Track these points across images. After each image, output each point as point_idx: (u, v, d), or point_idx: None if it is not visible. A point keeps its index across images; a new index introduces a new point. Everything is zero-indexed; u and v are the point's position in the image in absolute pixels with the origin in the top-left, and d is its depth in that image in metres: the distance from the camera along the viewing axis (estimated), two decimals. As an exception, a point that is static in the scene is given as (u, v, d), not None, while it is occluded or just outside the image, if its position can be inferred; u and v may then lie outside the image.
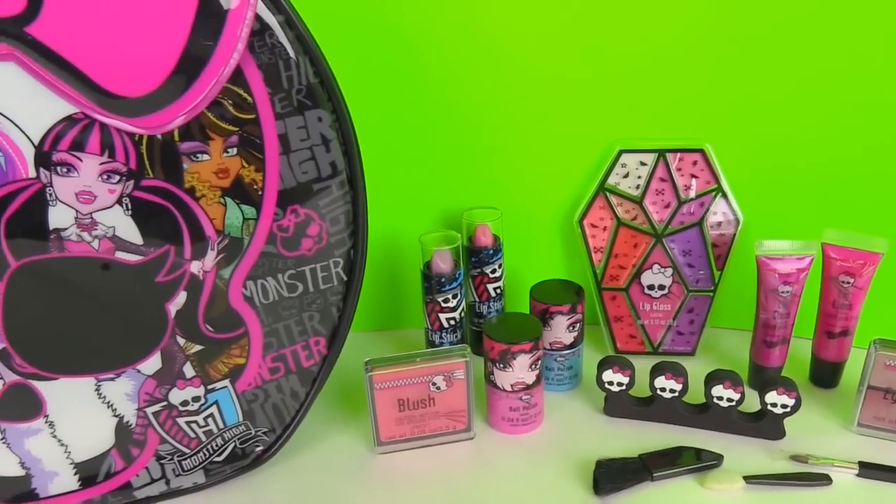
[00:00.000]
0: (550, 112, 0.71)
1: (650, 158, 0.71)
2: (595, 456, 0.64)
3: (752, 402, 0.65)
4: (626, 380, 0.66)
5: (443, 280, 0.69)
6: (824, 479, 0.61)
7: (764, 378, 0.68)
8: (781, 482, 0.60)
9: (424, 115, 0.71)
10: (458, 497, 0.62)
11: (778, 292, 0.67)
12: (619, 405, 0.68)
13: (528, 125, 0.72)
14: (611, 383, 0.67)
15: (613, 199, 0.73)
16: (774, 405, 0.63)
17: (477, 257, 0.72)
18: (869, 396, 0.64)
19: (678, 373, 0.65)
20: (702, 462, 0.62)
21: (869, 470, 0.61)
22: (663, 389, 0.66)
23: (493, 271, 0.73)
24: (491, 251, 0.72)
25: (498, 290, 0.74)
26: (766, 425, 0.65)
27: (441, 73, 0.70)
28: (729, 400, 0.64)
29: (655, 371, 0.66)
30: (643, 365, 0.68)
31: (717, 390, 0.64)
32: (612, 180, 0.72)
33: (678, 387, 0.65)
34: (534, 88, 0.70)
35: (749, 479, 0.60)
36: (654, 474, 0.61)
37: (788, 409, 0.63)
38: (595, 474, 0.61)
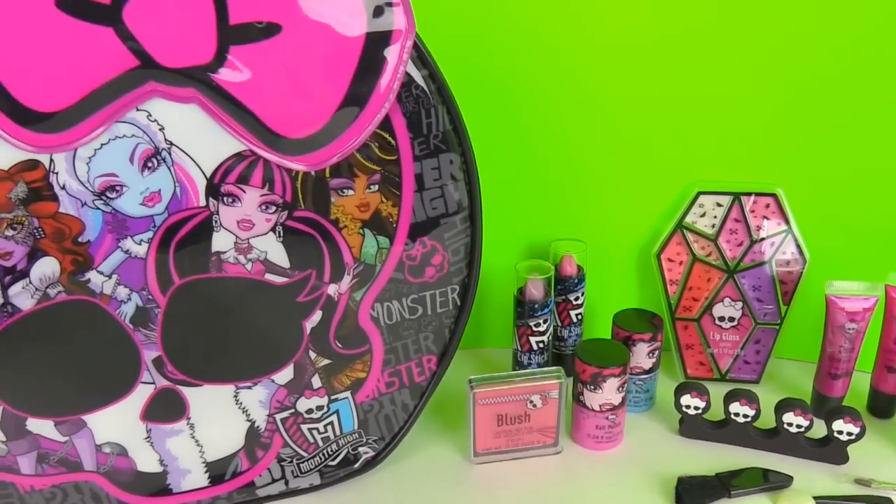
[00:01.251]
0: (636, 155, 0.78)
1: (726, 200, 0.77)
2: (673, 473, 0.69)
3: (818, 429, 0.71)
4: (702, 404, 0.72)
5: (535, 306, 0.75)
6: (886, 502, 0.66)
7: (827, 407, 0.74)
8: (849, 503, 0.66)
9: (521, 157, 0.78)
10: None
11: (844, 329, 0.72)
12: (694, 427, 0.74)
13: (616, 167, 0.78)
14: (688, 406, 0.72)
15: (690, 236, 0.79)
16: (841, 432, 0.69)
17: (562, 285, 0.78)
18: (927, 427, 0.70)
19: (752, 399, 0.71)
20: (774, 482, 0.68)
21: (928, 495, 0.67)
22: (737, 414, 0.71)
23: (577, 298, 0.79)
24: (575, 280, 0.78)
25: (579, 316, 0.80)
26: (831, 450, 0.70)
27: (538, 121, 0.77)
28: (798, 426, 0.70)
29: (730, 397, 0.71)
30: (713, 390, 0.73)
31: (788, 417, 0.70)
32: (689, 219, 0.78)
33: (751, 412, 0.71)
34: (622, 134, 0.77)
35: (819, 499, 0.66)
36: (732, 492, 0.67)
37: (854, 437, 0.69)
38: (678, 490, 0.67)
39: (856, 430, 0.69)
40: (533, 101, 0.76)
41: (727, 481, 0.68)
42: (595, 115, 0.76)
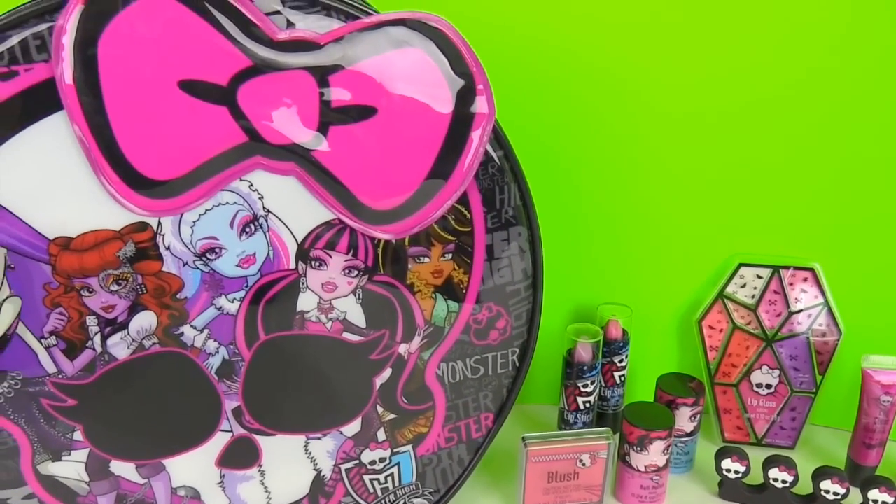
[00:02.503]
0: (681, 227, 0.82)
1: (766, 273, 0.81)
2: (713, 535, 0.72)
3: (853, 497, 0.74)
4: (742, 468, 0.75)
5: (584, 368, 0.79)
6: (921, 572, 0.69)
7: (861, 475, 0.77)
8: (884, 572, 0.69)
9: (573, 228, 0.83)
10: (597, 563, 0.70)
11: (879, 401, 0.76)
12: (734, 490, 0.77)
13: (662, 238, 0.83)
14: (728, 470, 0.76)
15: (730, 305, 0.83)
16: (876, 501, 0.72)
17: (607, 348, 0.82)
18: (958, 500, 0.73)
19: (790, 466, 0.74)
20: (812, 548, 0.71)
21: (960, 566, 0.70)
22: (776, 479, 0.74)
23: (621, 361, 0.83)
24: (620, 343, 0.82)
25: (622, 378, 0.84)
26: (866, 519, 0.73)
27: (590, 196, 0.82)
28: (835, 493, 0.73)
29: (769, 463, 0.75)
30: (749, 454, 0.76)
31: (826, 484, 0.73)
32: (730, 289, 0.82)
33: (790, 478, 0.74)
34: (668, 207, 0.82)
35: (855, 566, 0.69)
36: (772, 556, 0.70)
37: (888, 507, 0.72)
38: (720, 552, 0.70)
39: (890, 500, 0.72)
40: (586, 178, 0.81)
41: (767, 545, 0.71)
42: (644, 190, 0.81)
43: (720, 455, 0.76)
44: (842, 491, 0.73)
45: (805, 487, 0.75)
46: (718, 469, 0.76)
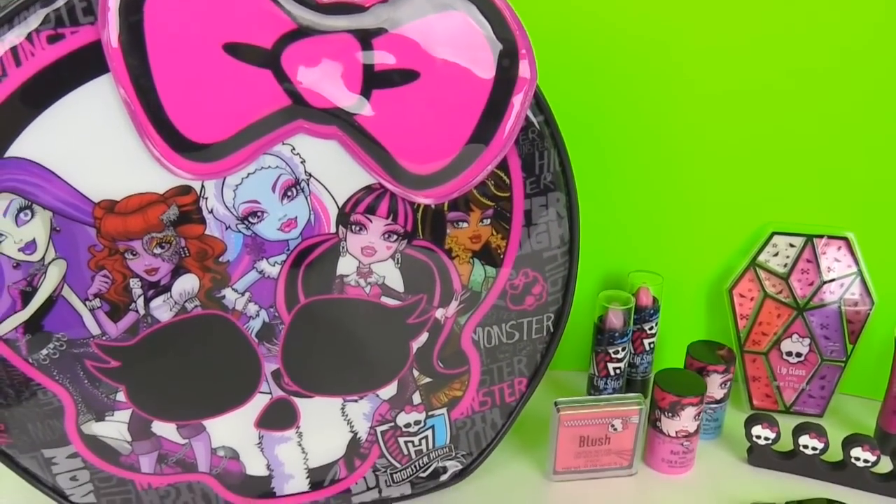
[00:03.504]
0: (715, 195, 0.82)
1: (799, 241, 0.81)
2: (742, 499, 0.73)
3: (883, 464, 0.74)
4: (773, 435, 0.76)
5: (615, 334, 0.79)
6: (949, 538, 0.70)
7: (891, 443, 0.77)
8: (914, 537, 0.70)
9: (607, 195, 0.83)
10: (628, 526, 0.71)
11: (912, 370, 0.76)
12: (763, 457, 0.77)
13: (695, 206, 0.83)
14: (759, 437, 0.76)
15: (762, 274, 0.83)
16: (906, 469, 0.73)
17: (638, 315, 0.83)
18: None
19: (821, 433, 0.74)
20: (842, 513, 0.72)
21: None
22: (806, 446, 0.75)
23: (651, 328, 0.83)
24: (651, 311, 0.83)
25: (651, 345, 0.84)
26: (895, 485, 0.74)
27: (624, 163, 0.82)
28: (865, 461, 0.73)
29: (799, 430, 0.75)
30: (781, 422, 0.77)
31: (856, 451, 0.73)
32: (762, 257, 0.82)
33: (820, 445, 0.75)
34: (702, 175, 0.81)
35: (885, 532, 0.70)
36: (803, 521, 0.71)
37: (918, 474, 0.73)
38: (750, 516, 0.71)
39: (921, 468, 0.72)
40: (620, 145, 0.80)
41: (797, 510, 0.72)
42: (678, 158, 0.81)
43: (750, 422, 0.76)
44: (872, 458, 0.73)
45: (834, 455, 0.75)
46: (748, 435, 0.76)
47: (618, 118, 0.79)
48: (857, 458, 0.74)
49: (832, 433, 0.75)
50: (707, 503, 0.74)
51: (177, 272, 0.59)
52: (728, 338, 0.85)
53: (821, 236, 0.81)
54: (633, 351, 0.84)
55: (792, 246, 0.81)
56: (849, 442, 0.74)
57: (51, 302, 0.58)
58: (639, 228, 0.84)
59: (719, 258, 0.85)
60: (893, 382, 0.78)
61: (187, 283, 0.60)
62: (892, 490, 0.74)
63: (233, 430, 0.66)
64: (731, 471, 0.78)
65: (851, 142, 0.78)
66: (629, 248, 0.85)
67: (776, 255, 0.82)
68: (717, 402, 0.80)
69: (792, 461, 0.76)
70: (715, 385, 0.79)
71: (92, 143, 0.54)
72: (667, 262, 0.85)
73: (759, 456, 0.78)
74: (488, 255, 0.65)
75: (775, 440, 0.76)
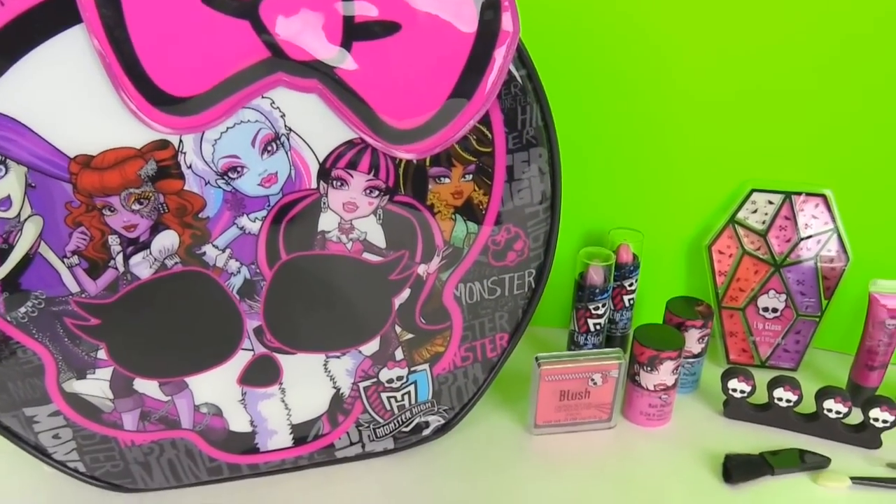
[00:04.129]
0: (695, 153, 0.82)
1: (777, 199, 0.82)
2: (718, 451, 0.75)
3: (854, 416, 0.76)
4: (748, 388, 0.77)
5: (596, 291, 0.80)
6: (917, 485, 0.72)
7: (862, 396, 0.79)
8: (882, 484, 0.72)
9: (587, 152, 0.83)
10: (607, 476, 0.73)
11: (885, 324, 0.78)
12: (739, 409, 0.79)
13: (675, 163, 0.83)
14: (734, 390, 0.78)
15: (741, 231, 0.83)
16: (877, 419, 0.74)
17: (618, 272, 0.83)
18: (955, 418, 0.75)
19: (795, 386, 0.76)
20: (813, 463, 0.74)
21: (954, 480, 0.72)
22: (780, 399, 0.77)
23: (630, 284, 0.84)
24: (631, 267, 0.83)
25: (631, 301, 0.85)
26: (866, 436, 0.76)
27: (605, 120, 0.81)
28: (837, 412, 0.75)
29: (774, 383, 0.77)
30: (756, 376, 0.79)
31: (829, 403, 0.75)
32: (741, 214, 0.83)
33: (794, 398, 0.76)
34: (682, 132, 0.81)
35: (855, 479, 0.72)
36: (775, 470, 0.72)
37: (889, 424, 0.74)
38: (726, 466, 0.72)
39: (891, 418, 0.74)
40: (601, 102, 0.80)
41: (771, 460, 0.73)
42: (658, 116, 0.81)
43: (727, 375, 0.78)
44: (844, 410, 0.75)
45: (808, 407, 0.77)
46: (725, 389, 0.78)
47: (599, 75, 0.79)
48: (830, 410, 0.75)
49: (806, 386, 0.77)
50: (683, 454, 0.75)
51: (156, 228, 0.59)
52: (707, 294, 0.86)
53: (799, 193, 0.81)
54: (612, 307, 0.85)
55: (770, 203, 0.82)
56: (821, 394, 0.76)
57: (28, 259, 0.57)
58: (620, 186, 0.84)
59: (699, 215, 0.85)
60: (866, 337, 0.80)
61: (167, 240, 0.59)
62: (863, 440, 0.76)
63: (215, 386, 0.66)
64: (707, 423, 0.79)
65: (830, 99, 0.78)
66: (610, 205, 0.85)
67: (755, 212, 0.83)
68: (695, 356, 0.81)
69: (766, 413, 0.78)
70: (693, 340, 0.80)
71: (66, 97, 0.53)
72: (647, 219, 0.85)
73: (734, 408, 0.79)
74: (470, 211, 0.65)
75: (750, 393, 0.78)
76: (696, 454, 0.75)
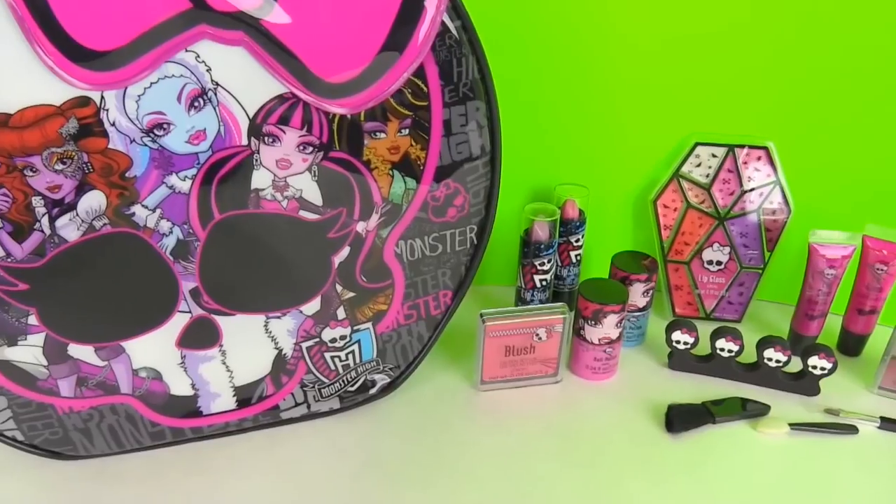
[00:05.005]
0: (638, 107, 0.82)
1: (721, 152, 0.82)
2: (662, 402, 0.76)
3: (794, 364, 0.78)
4: (691, 340, 0.78)
5: (541, 247, 0.80)
6: (853, 429, 0.74)
7: (803, 345, 0.81)
8: (819, 430, 0.73)
9: (530, 106, 0.81)
10: (551, 430, 0.73)
11: (824, 274, 0.79)
12: (682, 361, 0.80)
13: (619, 117, 0.82)
14: (678, 342, 0.79)
15: (685, 185, 0.84)
16: (815, 367, 0.76)
17: (564, 227, 0.83)
18: (891, 365, 0.77)
19: (736, 336, 0.77)
20: (754, 410, 0.75)
21: (889, 423, 0.74)
22: (722, 349, 0.78)
23: (577, 240, 0.84)
24: (577, 223, 0.83)
25: (578, 257, 0.85)
26: (805, 383, 0.77)
27: (548, 73, 0.80)
28: (777, 361, 0.77)
29: (717, 334, 0.78)
30: (698, 328, 0.79)
31: (769, 352, 0.76)
32: (685, 168, 0.83)
33: (736, 348, 0.77)
34: (626, 86, 0.81)
35: (793, 426, 0.73)
36: (717, 418, 0.74)
37: (826, 371, 0.76)
38: (668, 415, 0.74)
39: (828, 366, 0.76)
40: (543, 56, 0.79)
41: (712, 409, 0.74)
42: (601, 69, 0.80)
43: (670, 328, 0.78)
44: (783, 358, 0.76)
45: (750, 357, 0.78)
46: (668, 341, 0.79)
47: (542, 27, 0.77)
48: (770, 359, 0.77)
49: (750, 338, 0.78)
50: (628, 406, 0.76)
51: (81, 189, 0.57)
52: (653, 248, 0.87)
53: (742, 146, 0.82)
54: (560, 263, 0.85)
55: (714, 156, 0.82)
56: (762, 343, 0.77)
57: (-53, 223, 0.56)
58: (565, 141, 0.84)
59: (644, 170, 0.85)
60: (805, 287, 0.81)
61: (93, 200, 0.58)
62: (802, 388, 0.77)
63: (153, 350, 0.65)
64: (652, 375, 0.80)
65: (771, 50, 0.78)
66: (555, 161, 0.85)
67: (699, 165, 0.83)
68: (641, 310, 0.82)
69: (710, 364, 0.79)
70: (637, 294, 0.80)
71: (-23, 52, 0.51)
72: (593, 174, 0.85)
73: (678, 360, 0.80)
74: (408, 167, 0.64)
75: (694, 345, 0.78)
76: (640, 406, 0.76)
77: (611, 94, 0.81)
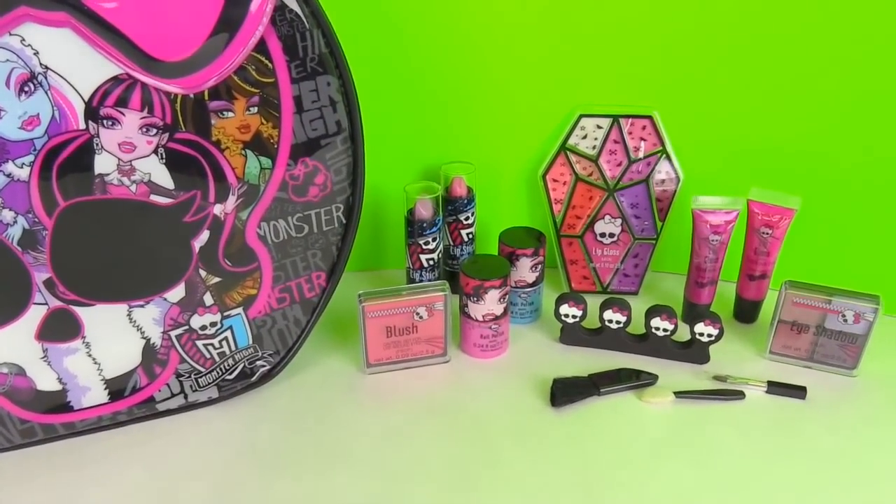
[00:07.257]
0: (521, 81, 0.81)
1: (606, 123, 0.81)
2: (551, 377, 0.75)
3: (684, 333, 0.77)
4: (579, 313, 0.78)
5: (424, 225, 0.79)
6: (739, 395, 0.73)
7: (695, 313, 0.80)
8: (704, 396, 0.73)
9: (410, 83, 0.81)
10: (437, 409, 0.72)
11: (709, 240, 0.78)
12: (573, 335, 0.79)
13: (501, 92, 0.82)
14: (566, 316, 0.78)
15: (573, 158, 0.83)
16: (702, 335, 0.76)
17: (452, 206, 0.82)
18: (779, 329, 0.76)
19: (623, 307, 0.77)
20: (640, 380, 0.74)
21: (774, 387, 0.74)
22: (611, 321, 0.77)
23: (467, 218, 0.83)
24: (465, 201, 0.82)
25: (470, 235, 0.85)
26: (694, 351, 0.77)
27: (425, 47, 0.79)
28: (664, 330, 0.76)
29: (604, 305, 0.77)
30: (594, 302, 0.79)
31: (656, 322, 0.76)
32: (572, 141, 0.82)
33: (623, 318, 0.77)
34: (507, 59, 0.80)
35: (678, 394, 0.73)
36: (601, 390, 0.73)
37: (713, 338, 0.76)
38: (552, 390, 0.73)
39: (715, 332, 0.75)
40: (420, 33, 0.78)
41: (598, 381, 0.74)
42: (482, 41, 0.79)
43: (558, 301, 0.78)
44: (670, 327, 0.76)
45: (639, 328, 0.78)
46: (557, 315, 0.78)
47: (415, 3, 0.77)
48: (657, 328, 0.76)
49: (645, 308, 0.77)
50: (515, 382, 0.75)
51: (-88, 180, 0.56)
52: (546, 224, 0.86)
53: (626, 116, 0.81)
54: (451, 242, 0.84)
55: (599, 128, 0.82)
56: (649, 313, 0.76)
57: None
58: (450, 119, 0.83)
59: (532, 144, 0.85)
60: (694, 254, 0.80)
61: (-74, 192, 0.56)
62: (692, 356, 0.77)
63: (12, 344, 0.64)
64: (543, 351, 0.80)
65: (651, 18, 0.78)
66: (441, 140, 0.84)
67: (585, 137, 0.82)
68: (531, 285, 0.81)
69: (600, 337, 0.79)
70: (526, 269, 0.80)
71: None
72: (480, 151, 0.84)
73: (569, 334, 0.80)
74: (261, 146, 0.63)
75: (582, 317, 0.78)
76: (528, 382, 0.75)
77: (491, 68, 0.80)
